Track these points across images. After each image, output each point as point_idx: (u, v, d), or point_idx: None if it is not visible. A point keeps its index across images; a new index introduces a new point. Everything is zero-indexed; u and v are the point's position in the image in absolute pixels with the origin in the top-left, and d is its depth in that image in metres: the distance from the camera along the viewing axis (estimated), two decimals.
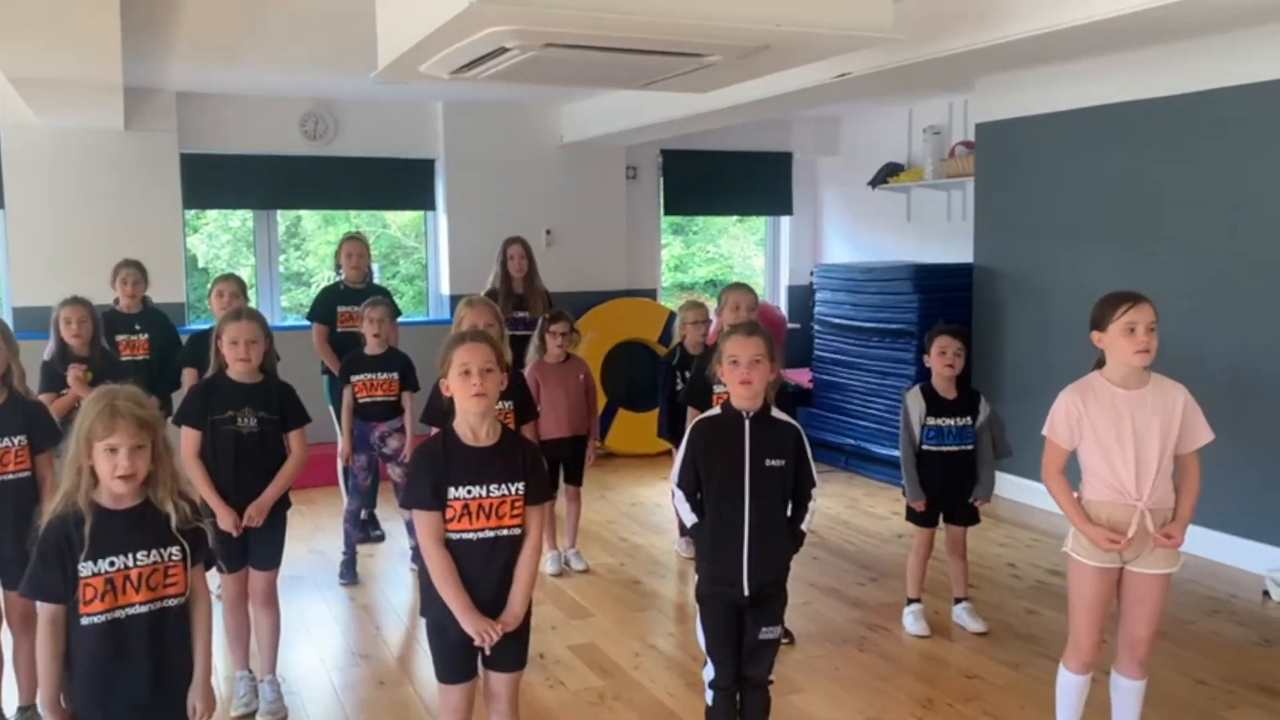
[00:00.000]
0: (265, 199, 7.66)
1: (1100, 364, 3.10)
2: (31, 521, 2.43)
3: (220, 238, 8.49)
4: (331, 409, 5.63)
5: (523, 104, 7.82)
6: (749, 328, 3.02)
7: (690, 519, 3.02)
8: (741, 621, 2.99)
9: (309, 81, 6.82)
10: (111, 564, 2.32)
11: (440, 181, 7.96)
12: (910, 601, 4.48)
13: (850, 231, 8.89)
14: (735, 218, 9.64)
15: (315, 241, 8.64)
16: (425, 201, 8.07)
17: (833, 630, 4.48)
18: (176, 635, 2.43)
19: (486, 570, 2.71)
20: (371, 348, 5.12)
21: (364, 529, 5.66)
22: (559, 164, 8.17)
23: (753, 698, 3.05)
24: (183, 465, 3.14)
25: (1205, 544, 5.08)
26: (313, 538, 5.84)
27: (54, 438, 3.35)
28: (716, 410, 3.05)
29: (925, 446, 4.31)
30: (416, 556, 5.03)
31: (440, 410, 3.21)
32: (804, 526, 3.01)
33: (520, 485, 2.73)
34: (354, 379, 5.09)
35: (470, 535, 2.70)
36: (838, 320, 7.47)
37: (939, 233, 7.75)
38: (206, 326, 5.19)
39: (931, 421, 4.29)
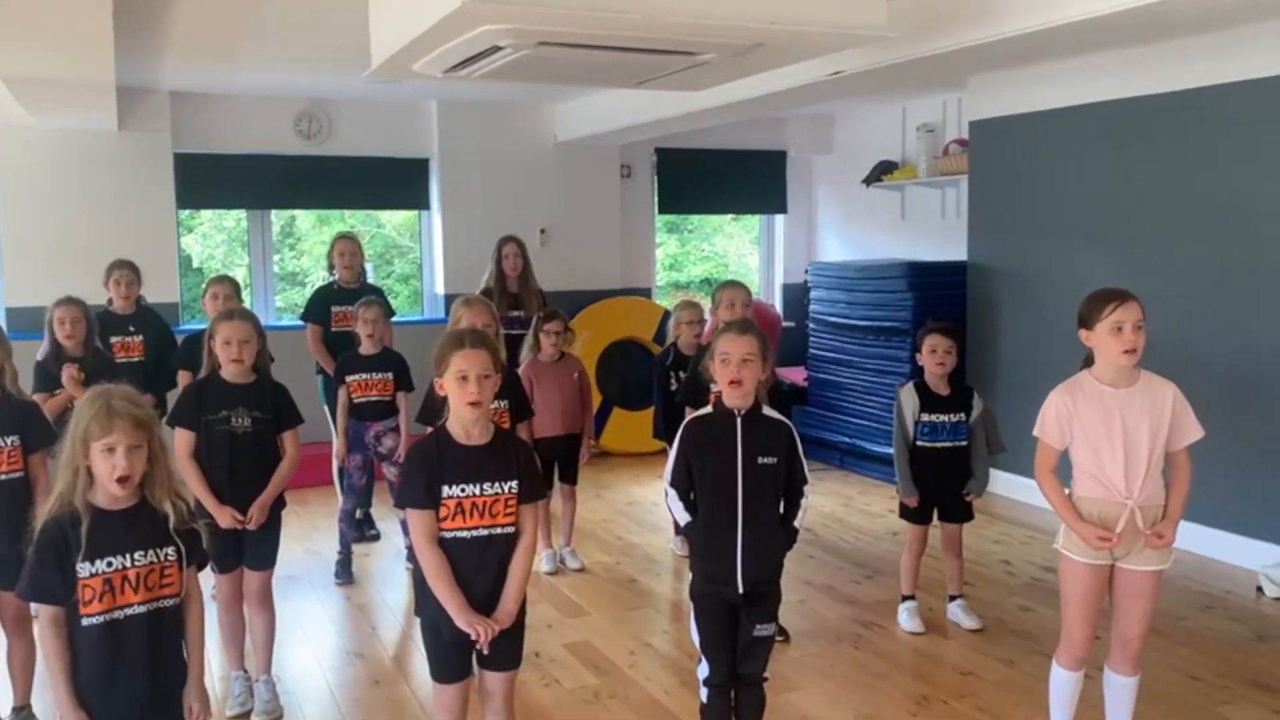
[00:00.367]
0: (260, 199, 7.66)
1: (1089, 362, 3.10)
2: (25, 522, 2.42)
3: (215, 238, 8.46)
4: (327, 409, 5.62)
5: (517, 103, 7.82)
6: (742, 325, 3.01)
7: (684, 517, 3.02)
8: (736, 619, 2.99)
9: (303, 81, 6.81)
10: (109, 564, 2.32)
11: (435, 181, 7.95)
12: (905, 599, 4.49)
13: (844, 229, 8.89)
14: (730, 216, 9.62)
15: (310, 241, 8.62)
16: (420, 201, 8.06)
17: (827, 627, 4.49)
18: (173, 636, 2.44)
19: (480, 569, 2.71)
20: (366, 348, 5.11)
21: (359, 528, 5.66)
22: (553, 163, 8.15)
23: (748, 695, 3.05)
24: (177, 466, 3.13)
25: (1199, 540, 5.10)
26: (308, 538, 5.84)
27: (47, 438, 3.32)
28: (708, 409, 3.05)
29: (919, 443, 4.32)
30: (412, 556, 4.93)
31: (435, 410, 3.21)
32: (796, 523, 3.02)
33: (514, 484, 2.73)
34: (349, 379, 5.09)
35: (464, 534, 2.70)
36: (832, 318, 7.48)
37: (933, 231, 7.75)
38: (201, 327, 5.17)
39: (925, 417, 4.31)
